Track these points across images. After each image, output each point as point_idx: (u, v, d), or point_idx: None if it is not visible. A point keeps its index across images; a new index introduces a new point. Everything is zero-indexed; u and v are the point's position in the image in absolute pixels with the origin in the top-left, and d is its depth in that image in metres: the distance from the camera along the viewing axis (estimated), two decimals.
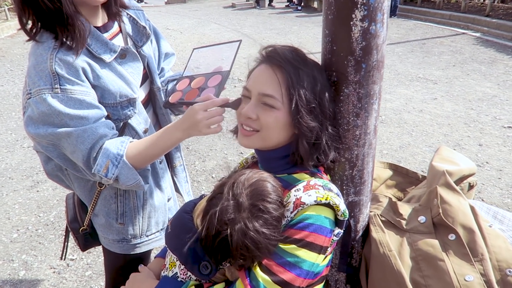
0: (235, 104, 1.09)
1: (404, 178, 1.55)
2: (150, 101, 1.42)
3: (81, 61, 1.12)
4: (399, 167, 1.56)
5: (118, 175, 1.13)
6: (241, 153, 4.00)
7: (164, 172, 1.45)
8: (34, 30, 1.10)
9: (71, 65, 1.09)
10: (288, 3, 15.31)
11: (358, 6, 0.94)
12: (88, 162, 1.12)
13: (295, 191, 0.98)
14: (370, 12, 0.95)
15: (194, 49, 1.42)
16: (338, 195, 1.00)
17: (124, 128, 1.25)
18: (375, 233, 1.21)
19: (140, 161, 1.17)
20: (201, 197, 1.24)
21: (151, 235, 1.44)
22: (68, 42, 1.08)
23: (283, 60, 0.99)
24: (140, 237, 1.41)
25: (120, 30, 1.29)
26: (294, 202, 0.95)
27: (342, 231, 1.03)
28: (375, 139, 1.14)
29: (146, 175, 1.25)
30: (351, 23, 0.96)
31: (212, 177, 3.61)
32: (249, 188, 0.92)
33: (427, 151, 3.93)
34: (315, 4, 14.19)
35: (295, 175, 1.05)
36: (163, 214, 1.46)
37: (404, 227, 1.21)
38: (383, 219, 1.25)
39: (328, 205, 0.96)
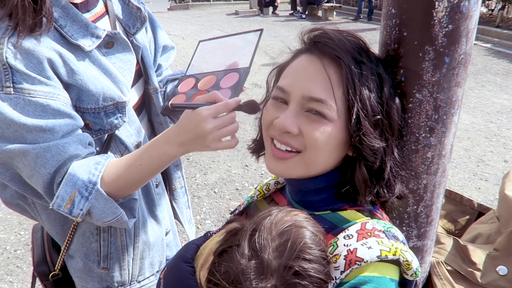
0: (251, 107, 0.78)
1: (456, 206, 1.27)
2: (144, 106, 1.10)
3: (47, 49, 0.81)
4: (452, 193, 1.26)
5: (90, 209, 0.81)
6: (246, 165, 3.68)
7: (161, 197, 1.12)
8: None
9: (32, 54, 0.78)
10: (292, 11, 15.15)
11: None
12: (51, 190, 0.81)
13: (344, 238, 0.68)
14: None
15: (200, 41, 1.11)
16: (405, 244, 0.70)
17: (109, 142, 0.94)
18: None
19: (120, 188, 0.86)
20: (206, 235, 0.92)
21: (144, 280, 1.11)
22: (28, 21, 0.77)
23: (340, 50, 0.68)
24: (130, 284, 1.08)
25: (106, 11, 0.97)
26: (345, 256, 0.64)
27: None
28: (449, 163, 0.83)
29: (132, 207, 0.92)
30: None
31: (215, 192, 3.29)
32: (279, 240, 0.62)
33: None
34: (320, 13, 14.01)
35: (342, 213, 0.74)
36: (160, 252, 1.14)
37: (479, 280, 0.92)
38: (449, 268, 0.96)
39: (395, 261, 0.66)
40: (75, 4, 0.89)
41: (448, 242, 1.01)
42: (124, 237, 1.02)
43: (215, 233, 0.91)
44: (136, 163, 0.84)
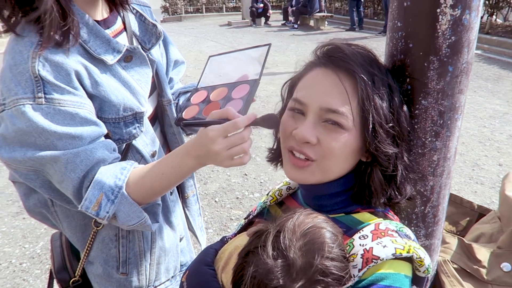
0: (271, 122, 0.82)
1: (457, 208, 1.30)
2: (157, 118, 1.15)
3: (75, 62, 0.85)
4: (452, 195, 1.30)
5: (116, 212, 0.85)
6: (245, 174, 3.72)
7: (175, 204, 1.16)
8: (12, 20, 0.84)
9: (61, 67, 0.83)
10: (284, 21, 15.30)
11: None
12: (80, 194, 0.85)
13: (360, 238, 0.72)
14: None
15: (210, 56, 1.16)
16: (416, 242, 0.74)
17: (127, 151, 0.98)
18: (450, 286, 0.94)
19: (144, 194, 0.89)
20: (222, 240, 0.96)
21: (160, 285, 1.14)
22: (56, 37, 0.81)
23: (354, 63, 0.73)
24: None
25: (124, 28, 1.02)
26: (362, 255, 0.68)
27: None
28: (454, 166, 0.87)
29: (156, 212, 0.96)
30: (438, 10, 0.71)
31: (215, 201, 3.32)
32: (302, 240, 0.65)
33: None
34: (311, 23, 14.17)
35: (355, 216, 0.79)
36: (175, 258, 1.17)
37: (485, 277, 0.96)
38: (455, 266, 0.99)
39: (408, 259, 0.70)
40: (97, 21, 0.94)
41: (453, 241, 1.06)
42: (142, 243, 1.05)
43: (230, 238, 0.95)
44: (158, 172, 0.88)
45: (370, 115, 0.71)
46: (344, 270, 0.65)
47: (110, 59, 0.91)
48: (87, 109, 0.86)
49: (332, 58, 0.76)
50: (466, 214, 1.26)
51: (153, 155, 1.04)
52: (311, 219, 0.68)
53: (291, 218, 0.68)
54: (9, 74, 0.81)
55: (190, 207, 1.29)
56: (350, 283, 0.68)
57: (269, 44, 1.03)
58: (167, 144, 1.19)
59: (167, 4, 17.86)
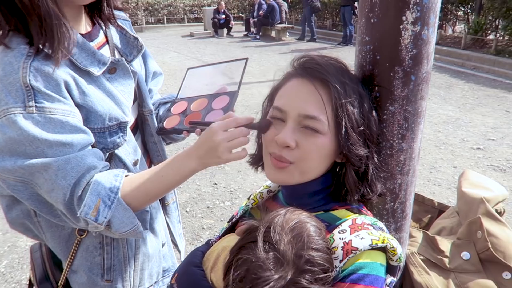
0: (264, 127, 0.88)
1: (419, 206, 1.41)
2: (138, 127, 1.18)
3: (64, 73, 0.88)
4: (415, 194, 1.41)
5: (111, 218, 0.87)
6: (215, 184, 3.75)
7: (157, 211, 1.19)
8: (0, 33, 0.85)
9: (51, 77, 0.85)
10: (247, 32, 15.50)
11: (410, 6, 0.78)
12: (71, 203, 0.86)
13: (339, 232, 0.79)
14: (423, 13, 0.79)
15: (188, 69, 1.21)
16: (389, 234, 0.82)
17: (110, 160, 1.00)
18: (418, 275, 1.03)
19: (139, 200, 0.92)
20: (208, 243, 1.01)
21: None
22: (45, 50, 0.84)
23: (328, 74, 0.80)
24: None
25: (107, 41, 1.06)
26: (342, 247, 0.75)
27: (395, 279, 0.84)
28: (418, 165, 0.97)
29: (145, 219, 0.99)
30: (401, 26, 0.80)
31: (186, 211, 3.32)
32: (290, 234, 0.71)
33: None
34: (273, 33, 14.45)
35: (333, 213, 0.86)
36: (158, 263, 1.20)
37: (448, 266, 1.05)
38: (422, 257, 1.08)
39: (382, 249, 0.78)
40: (81, 35, 0.97)
41: (418, 235, 1.15)
42: (126, 249, 1.07)
43: (216, 240, 1.00)
44: (157, 175, 0.92)
45: (343, 121, 0.79)
46: (328, 260, 0.72)
47: (96, 70, 0.94)
48: (77, 118, 0.88)
49: (308, 69, 0.83)
50: (428, 211, 1.36)
51: (135, 164, 1.07)
52: (297, 215, 0.75)
53: (278, 215, 0.74)
54: None
55: (170, 214, 1.32)
56: (333, 273, 0.74)
57: (246, 58, 1.10)
58: (148, 153, 1.22)
59: (127, 15, 17.62)
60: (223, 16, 15.23)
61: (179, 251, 1.38)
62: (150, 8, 18.61)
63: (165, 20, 18.98)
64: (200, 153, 0.90)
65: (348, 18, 11.88)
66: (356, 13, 12.25)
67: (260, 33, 14.47)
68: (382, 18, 0.82)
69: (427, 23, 0.81)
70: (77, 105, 0.91)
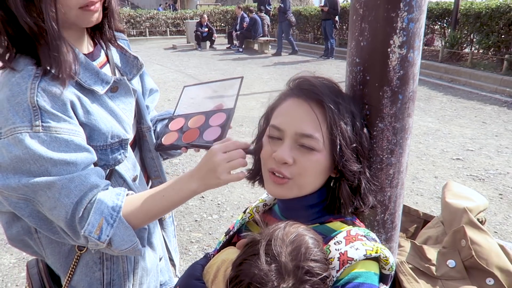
0: (256, 151, 0.93)
1: (405, 216, 1.46)
2: (136, 143, 1.21)
3: (70, 93, 0.91)
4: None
5: (112, 237, 0.90)
6: (202, 197, 3.76)
7: (155, 226, 1.21)
8: (7, 56, 0.88)
9: (58, 97, 0.88)
10: (229, 45, 15.64)
11: (397, 31, 0.85)
12: (72, 221, 0.88)
13: (335, 244, 0.83)
14: (409, 38, 0.86)
15: (185, 86, 1.25)
16: (382, 244, 0.87)
17: (110, 176, 1.03)
18: (408, 284, 1.08)
19: (139, 219, 0.95)
20: (206, 256, 1.04)
21: None
22: (52, 71, 0.87)
23: (322, 94, 0.85)
24: None
25: (108, 60, 1.09)
26: (338, 258, 0.79)
27: (388, 287, 0.89)
28: (406, 178, 1.03)
29: (143, 236, 1.01)
30: (389, 50, 0.86)
31: (174, 225, 3.31)
32: (290, 246, 0.75)
33: None
34: (256, 46, 14.63)
35: (328, 225, 0.90)
36: (155, 277, 1.22)
37: (435, 273, 1.10)
38: (410, 266, 1.13)
39: (375, 258, 0.82)
40: (84, 55, 1.00)
41: (407, 245, 1.20)
42: (126, 264, 1.09)
43: (213, 254, 1.03)
44: (159, 194, 0.95)
45: (337, 138, 0.84)
46: (326, 270, 0.76)
47: (100, 89, 0.98)
48: (81, 137, 0.91)
49: (303, 90, 0.88)
50: (414, 221, 1.42)
51: (134, 179, 1.09)
52: (296, 228, 0.79)
53: (278, 229, 0.78)
54: (6, 105, 0.85)
55: (166, 229, 1.35)
56: (330, 283, 0.78)
57: (242, 77, 1.14)
58: (145, 169, 1.25)
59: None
60: (206, 29, 15.36)
61: (174, 265, 1.40)
62: (132, 20, 18.61)
63: (147, 33, 18.99)
64: (201, 174, 0.94)
65: (329, 32, 12.13)
66: (337, 26, 12.54)
67: (243, 46, 14.62)
68: (371, 41, 0.88)
69: (413, 47, 0.87)
70: (81, 123, 0.94)
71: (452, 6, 10.06)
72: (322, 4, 13.09)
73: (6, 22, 0.85)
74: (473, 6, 9.47)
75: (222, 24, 20.39)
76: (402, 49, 0.86)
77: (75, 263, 1.04)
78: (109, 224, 0.89)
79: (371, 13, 0.86)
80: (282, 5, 13.02)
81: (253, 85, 8.12)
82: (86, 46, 1.03)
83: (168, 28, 19.69)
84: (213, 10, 20.74)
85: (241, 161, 0.94)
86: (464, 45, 10.14)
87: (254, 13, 14.47)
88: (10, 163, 0.84)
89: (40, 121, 0.85)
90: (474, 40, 9.82)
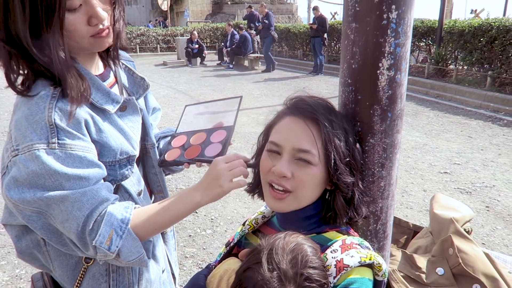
0: (257, 164, 1.00)
1: (396, 228, 1.53)
2: (140, 160, 1.26)
3: (84, 112, 0.97)
4: None
5: (120, 247, 0.94)
6: (196, 212, 3.79)
7: (158, 239, 1.26)
8: (27, 84, 0.94)
9: (73, 116, 0.94)
10: (220, 61, 15.82)
11: (385, 55, 0.92)
12: (83, 233, 0.92)
13: (331, 252, 0.89)
14: (396, 61, 0.93)
15: (186, 105, 1.32)
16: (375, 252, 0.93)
17: (116, 190, 1.08)
18: None
19: (146, 230, 0.99)
20: (208, 267, 1.09)
21: None
22: (68, 92, 0.93)
23: (317, 112, 0.93)
24: None
25: (116, 81, 1.15)
26: (335, 265, 0.85)
27: None
28: (396, 190, 1.10)
29: (148, 248, 1.06)
30: (378, 72, 0.94)
31: None
32: (291, 255, 0.81)
33: None
34: (246, 63, 14.82)
35: (325, 234, 0.96)
36: None
37: (425, 281, 1.16)
38: (402, 274, 1.19)
39: (369, 265, 0.88)
40: (96, 76, 1.06)
41: (398, 254, 1.26)
42: (131, 276, 1.13)
43: (215, 265, 1.08)
44: (165, 207, 1.00)
45: (332, 153, 0.91)
46: (324, 277, 0.82)
47: (111, 108, 1.04)
48: (93, 153, 0.96)
49: (300, 108, 0.96)
50: (404, 232, 1.49)
51: (139, 194, 1.14)
52: (295, 238, 0.85)
53: (279, 239, 0.84)
54: (24, 123, 0.90)
55: (167, 242, 1.39)
56: None
57: (241, 96, 1.21)
58: (148, 184, 1.30)
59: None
60: (197, 46, 15.53)
61: (175, 278, 1.44)
62: None
63: (138, 49, 19.12)
64: (204, 185, 1.00)
65: (318, 49, 12.37)
66: (326, 43, 12.79)
67: (234, 62, 14.79)
68: (362, 64, 0.95)
69: (400, 69, 0.95)
70: (93, 141, 0.99)
71: (437, 24, 10.38)
72: (311, 22, 13.39)
73: (22, 58, 0.92)
74: (456, 24, 9.78)
75: (213, 41, 20.64)
76: (390, 71, 0.94)
77: (82, 275, 1.08)
78: (118, 235, 0.93)
79: (362, 39, 0.94)
80: (266, 21, 13.29)
81: (244, 101, 8.21)
82: (97, 67, 1.10)
83: (158, 45, 19.86)
84: (203, 27, 21.02)
85: (242, 169, 1.01)
86: (449, 62, 10.43)
87: (244, 31, 14.71)
88: (26, 177, 0.89)
89: (56, 138, 0.90)
90: (459, 57, 10.10)
